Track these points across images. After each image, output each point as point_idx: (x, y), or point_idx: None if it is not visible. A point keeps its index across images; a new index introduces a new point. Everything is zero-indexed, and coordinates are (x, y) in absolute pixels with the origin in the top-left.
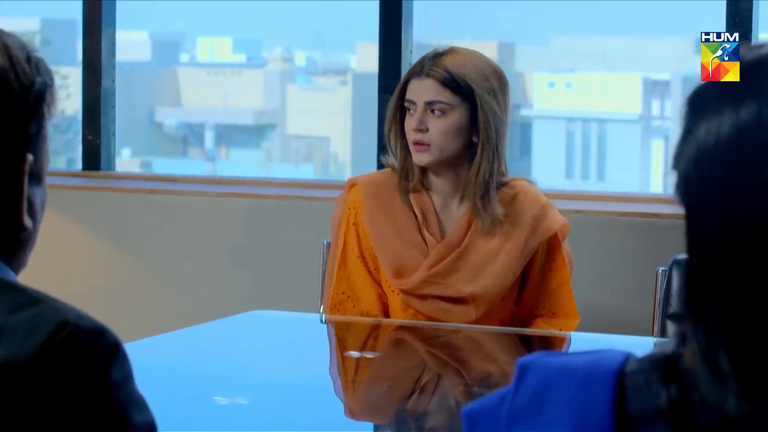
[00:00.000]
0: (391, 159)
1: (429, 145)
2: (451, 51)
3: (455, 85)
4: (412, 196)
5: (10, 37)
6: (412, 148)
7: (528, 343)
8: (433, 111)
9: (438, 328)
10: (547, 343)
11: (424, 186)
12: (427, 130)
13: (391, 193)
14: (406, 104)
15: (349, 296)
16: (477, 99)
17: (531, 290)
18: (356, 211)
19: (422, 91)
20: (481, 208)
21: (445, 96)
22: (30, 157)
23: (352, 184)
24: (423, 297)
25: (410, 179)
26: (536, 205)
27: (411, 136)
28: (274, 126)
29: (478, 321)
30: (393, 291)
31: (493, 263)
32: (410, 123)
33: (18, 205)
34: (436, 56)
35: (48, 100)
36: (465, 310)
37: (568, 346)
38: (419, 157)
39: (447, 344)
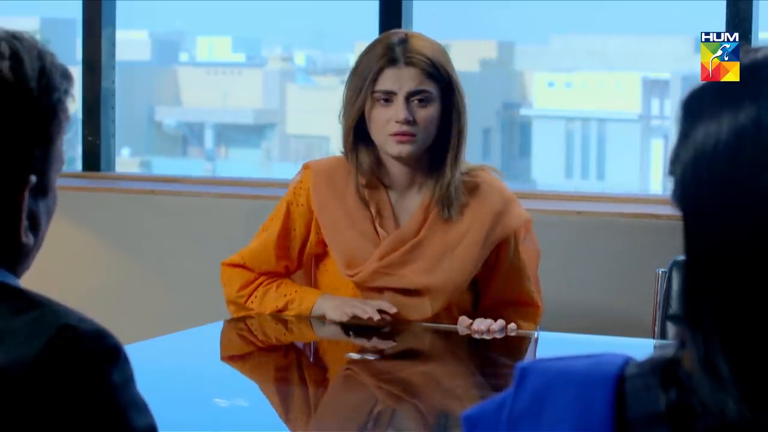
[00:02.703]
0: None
1: (414, 135)
2: (414, 36)
3: (438, 74)
4: (366, 191)
5: (29, 45)
6: (390, 139)
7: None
8: (415, 101)
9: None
10: (513, 345)
11: (379, 180)
12: (415, 121)
13: (345, 181)
14: (376, 95)
15: (246, 264)
16: (455, 87)
17: (497, 283)
18: (307, 194)
19: (404, 80)
20: (452, 196)
21: (428, 85)
22: (33, 178)
23: (306, 167)
24: (378, 290)
25: (363, 173)
26: (499, 199)
27: (393, 127)
28: (274, 125)
29: (435, 317)
30: (346, 284)
31: (450, 256)
32: (391, 114)
33: (17, 224)
34: (403, 42)
35: (59, 116)
36: (421, 305)
37: (536, 345)
38: (401, 149)
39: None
